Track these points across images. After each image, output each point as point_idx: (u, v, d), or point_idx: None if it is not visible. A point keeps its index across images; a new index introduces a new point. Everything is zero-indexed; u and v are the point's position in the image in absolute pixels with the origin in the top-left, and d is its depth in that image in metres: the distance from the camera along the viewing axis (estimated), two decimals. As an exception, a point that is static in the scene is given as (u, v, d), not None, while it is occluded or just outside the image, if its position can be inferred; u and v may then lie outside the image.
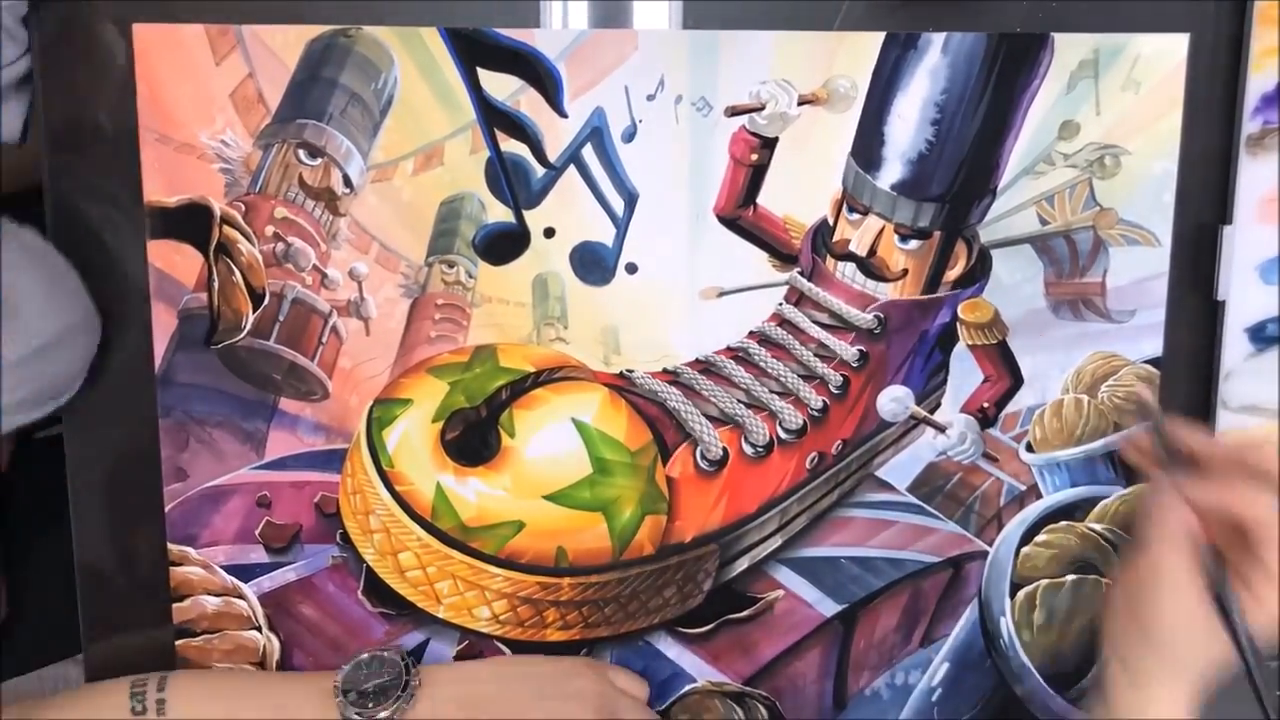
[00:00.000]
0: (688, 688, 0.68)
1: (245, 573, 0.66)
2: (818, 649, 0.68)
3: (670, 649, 0.67)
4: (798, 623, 0.67)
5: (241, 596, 0.66)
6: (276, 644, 0.66)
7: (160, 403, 0.64)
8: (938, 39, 0.61)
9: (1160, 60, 0.62)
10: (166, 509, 0.65)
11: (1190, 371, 0.67)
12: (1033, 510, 0.67)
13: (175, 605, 0.66)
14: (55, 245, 0.61)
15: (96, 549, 0.65)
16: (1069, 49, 0.62)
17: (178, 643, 0.66)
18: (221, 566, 0.65)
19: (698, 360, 0.65)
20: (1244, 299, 0.66)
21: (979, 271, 0.64)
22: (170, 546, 0.65)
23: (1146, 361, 0.66)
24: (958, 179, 0.63)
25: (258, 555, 0.65)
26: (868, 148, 0.62)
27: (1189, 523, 0.53)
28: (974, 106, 0.62)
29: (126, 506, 0.65)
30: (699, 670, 0.68)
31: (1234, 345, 0.67)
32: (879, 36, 0.62)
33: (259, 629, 0.66)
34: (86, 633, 0.66)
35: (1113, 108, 0.63)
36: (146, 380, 0.63)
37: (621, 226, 0.63)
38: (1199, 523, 0.53)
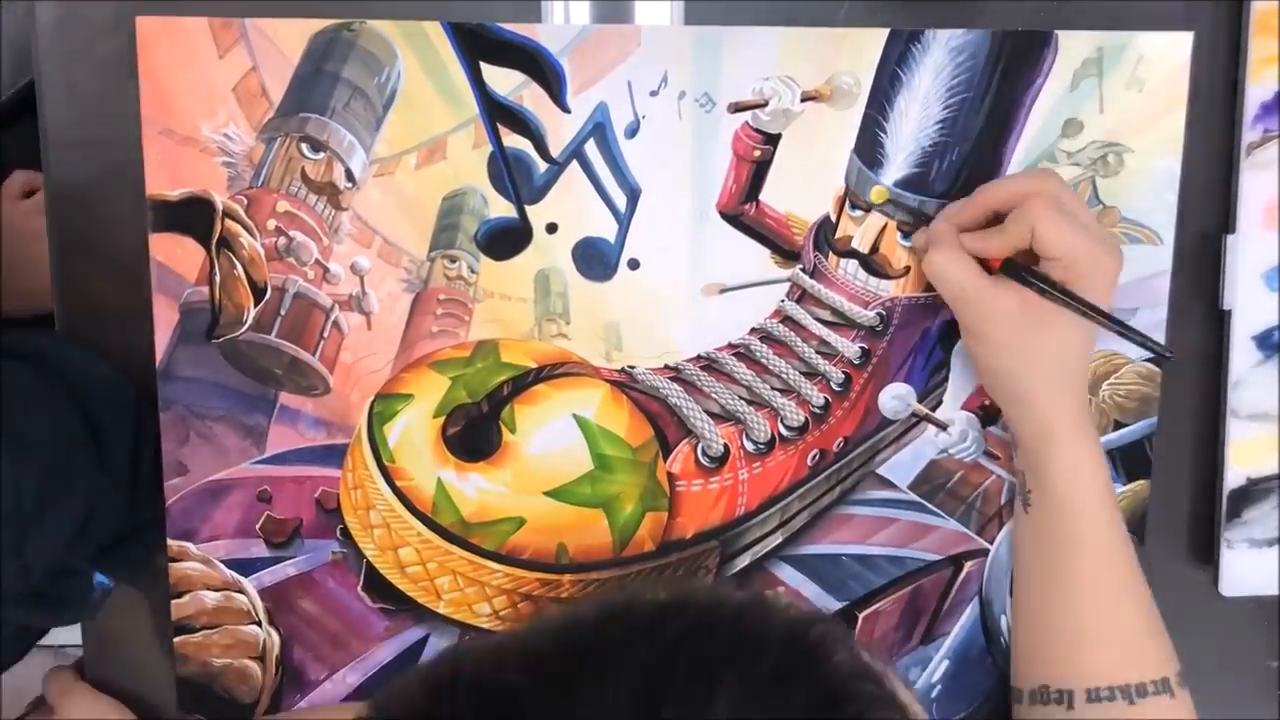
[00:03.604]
0: (688, 685, 0.68)
1: (245, 567, 0.65)
2: (818, 646, 0.68)
3: (670, 646, 0.67)
4: (798, 620, 0.67)
5: (241, 591, 0.66)
6: (276, 639, 0.66)
7: (161, 396, 0.63)
8: (941, 36, 0.61)
9: (1164, 59, 0.62)
10: (167, 503, 0.64)
11: (1198, 380, 0.67)
12: (1034, 508, 0.67)
13: (174, 601, 0.65)
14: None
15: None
16: (1073, 47, 0.62)
17: (176, 639, 0.66)
18: (221, 561, 0.65)
19: (699, 356, 0.65)
20: (1250, 307, 0.66)
21: (981, 269, 0.64)
22: (170, 542, 0.65)
23: (1148, 359, 0.65)
24: (961, 176, 0.63)
25: (258, 550, 0.65)
26: (871, 145, 0.62)
27: (945, 231, 0.59)
28: (978, 104, 0.62)
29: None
30: (699, 667, 0.67)
31: (1241, 353, 0.67)
32: (882, 33, 0.61)
33: (259, 624, 0.66)
34: (85, 629, 0.66)
35: (1116, 106, 0.63)
36: (147, 374, 0.63)
37: (624, 222, 0.63)
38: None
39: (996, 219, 0.58)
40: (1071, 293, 0.56)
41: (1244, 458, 0.68)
